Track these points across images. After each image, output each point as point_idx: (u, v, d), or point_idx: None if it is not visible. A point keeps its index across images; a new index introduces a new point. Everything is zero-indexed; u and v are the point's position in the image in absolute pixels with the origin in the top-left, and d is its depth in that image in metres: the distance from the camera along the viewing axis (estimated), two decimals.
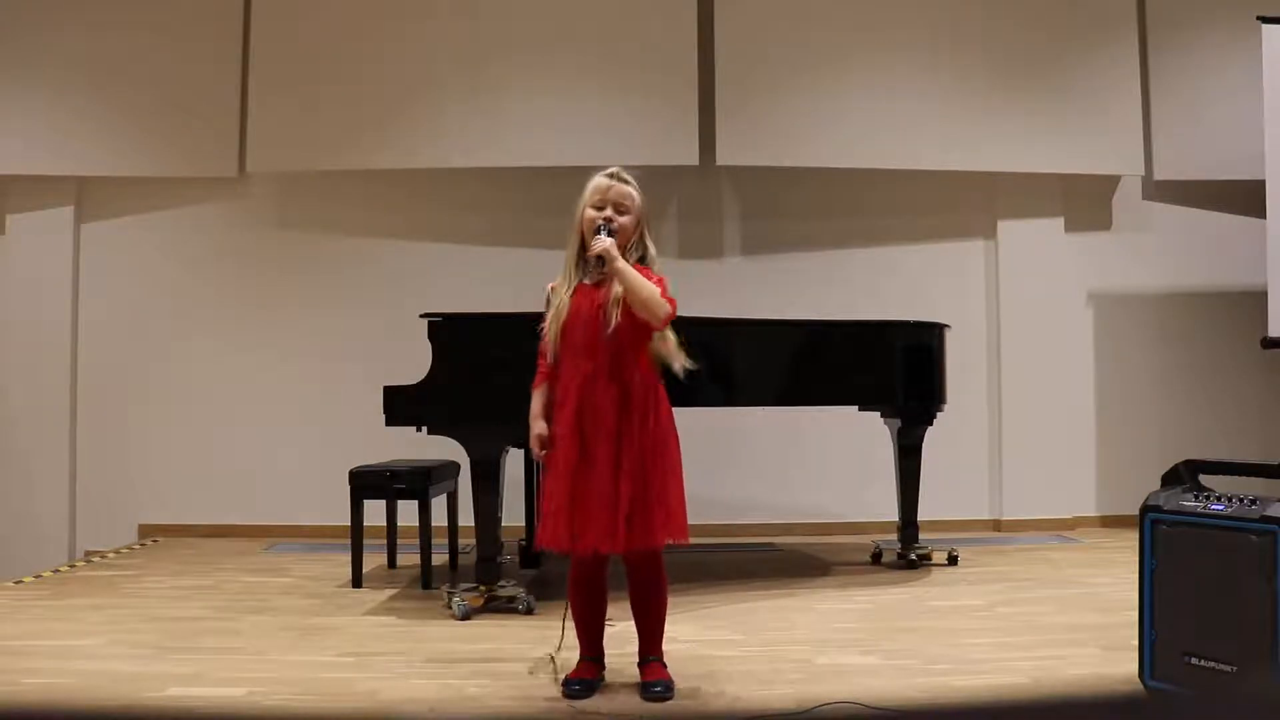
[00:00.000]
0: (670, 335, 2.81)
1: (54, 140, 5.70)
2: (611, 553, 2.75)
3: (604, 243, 2.72)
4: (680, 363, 2.81)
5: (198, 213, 5.95)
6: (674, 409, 2.86)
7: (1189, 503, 2.61)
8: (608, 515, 2.69)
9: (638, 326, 2.75)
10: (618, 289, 2.73)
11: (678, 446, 2.84)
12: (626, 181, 2.83)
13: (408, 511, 4.44)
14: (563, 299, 2.80)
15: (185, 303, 5.90)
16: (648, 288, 2.70)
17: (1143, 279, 6.11)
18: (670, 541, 2.76)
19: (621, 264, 2.71)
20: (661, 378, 2.84)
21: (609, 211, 2.78)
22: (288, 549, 5.41)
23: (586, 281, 2.81)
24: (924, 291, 5.88)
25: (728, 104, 5.75)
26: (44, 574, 4.75)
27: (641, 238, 2.83)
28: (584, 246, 2.80)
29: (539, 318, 2.89)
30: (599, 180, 2.83)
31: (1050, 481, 5.94)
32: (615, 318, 2.73)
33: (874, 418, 4.94)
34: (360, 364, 5.56)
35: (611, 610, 2.94)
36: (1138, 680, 2.67)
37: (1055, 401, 5.96)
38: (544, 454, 2.82)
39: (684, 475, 2.82)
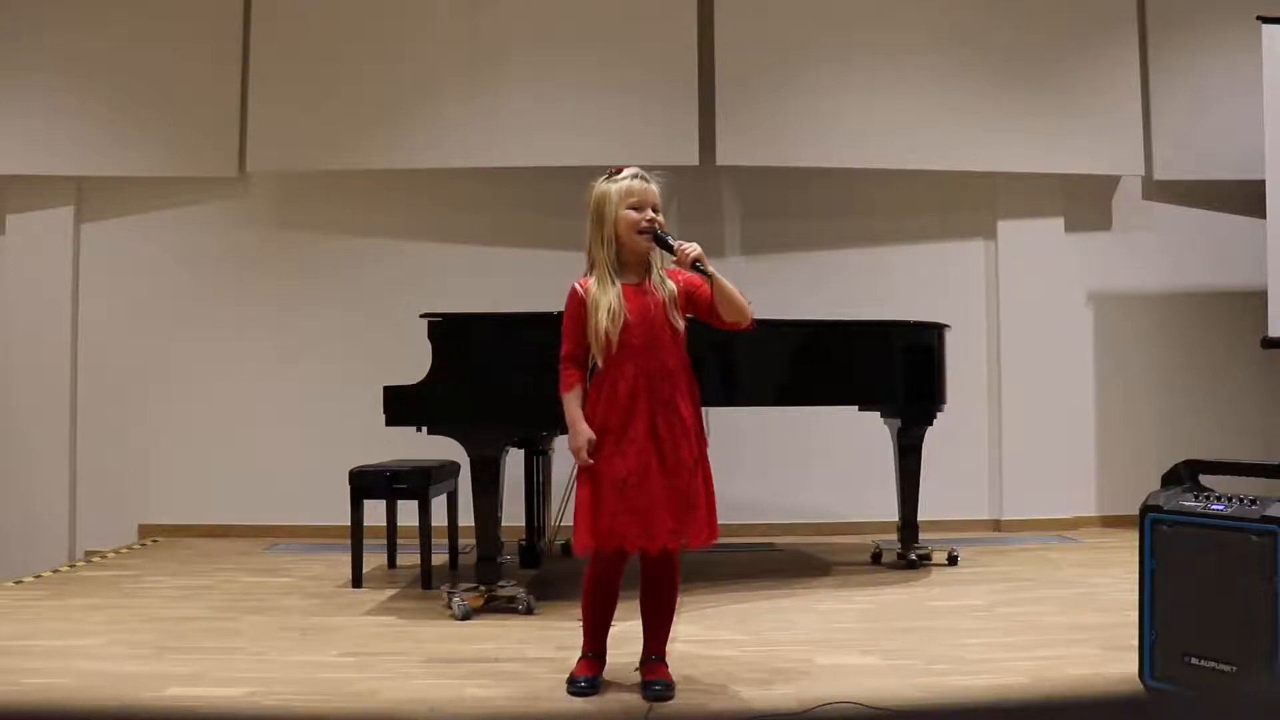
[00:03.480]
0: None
1: (53, 140, 5.70)
2: (699, 546, 2.74)
3: (697, 248, 2.70)
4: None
5: (198, 213, 5.95)
6: None
7: (1189, 503, 2.61)
8: (694, 511, 2.72)
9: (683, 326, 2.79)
10: (671, 288, 2.77)
11: None
12: (651, 181, 2.83)
13: (408, 511, 4.44)
14: (614, 301, 2.72)
15: (185, 303, 5.90)
16: (736, 289, 2.72)
17: (1143, 279, 6.11)
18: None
19: (712, 268, 2.71)
20: None
21: (649, 213, 2.77)
22: (288, 549, 5.41)
23: (631, 283, 2.79)
24: (924, 291, 5.88)
25: (728, 104, 5.75)
26: (44, 574, 4.75)
27: None
28: (619, 247, 2.76)
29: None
30: (631, 183, 2.78)
31: (1050, 481, 5.93)
32: (680, 318, 2.77)
33: (874, 418, 4.94)
34: (360, 364, 5.55)
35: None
36: (1138, 680, 2.67)
37: (1055, 401, 5.95)
38: (590, 461, 2.70)
39: None
